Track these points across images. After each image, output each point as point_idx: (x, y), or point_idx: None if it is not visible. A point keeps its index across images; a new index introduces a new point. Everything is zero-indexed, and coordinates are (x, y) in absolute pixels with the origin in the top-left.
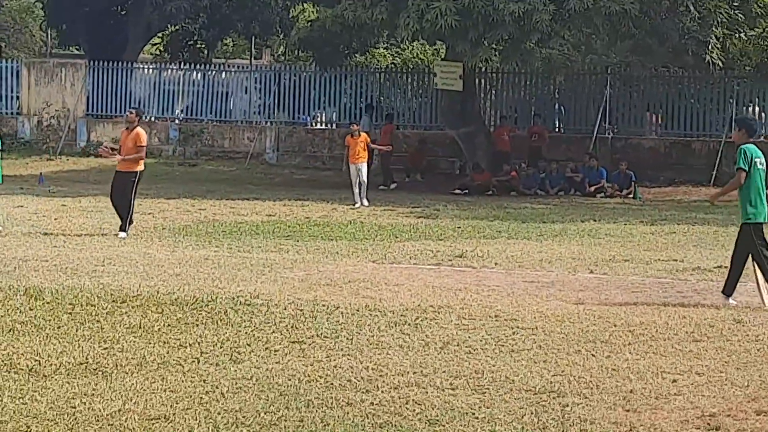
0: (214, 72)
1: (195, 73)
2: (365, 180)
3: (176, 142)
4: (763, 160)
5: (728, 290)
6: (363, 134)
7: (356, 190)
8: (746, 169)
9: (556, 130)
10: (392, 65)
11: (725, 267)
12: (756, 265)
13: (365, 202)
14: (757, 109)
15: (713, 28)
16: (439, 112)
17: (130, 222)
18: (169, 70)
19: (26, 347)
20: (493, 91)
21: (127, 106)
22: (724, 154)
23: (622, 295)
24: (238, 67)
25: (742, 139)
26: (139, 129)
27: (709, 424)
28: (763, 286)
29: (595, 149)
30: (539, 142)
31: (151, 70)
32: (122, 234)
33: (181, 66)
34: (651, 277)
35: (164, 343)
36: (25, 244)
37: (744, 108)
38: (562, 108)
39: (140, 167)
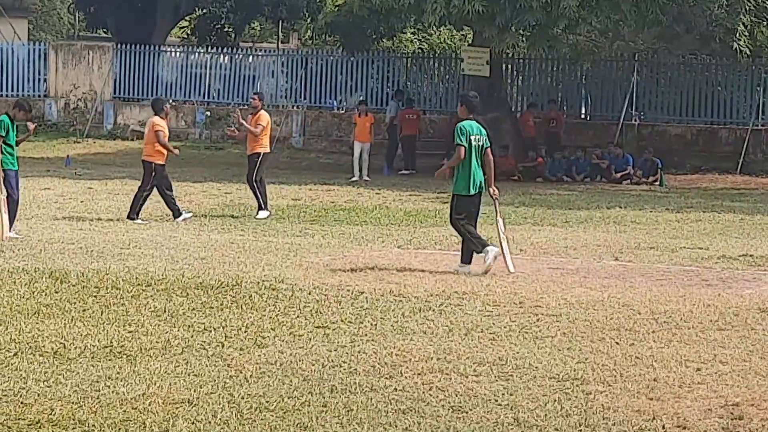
0: (241, 56)
1: (222, 56)
2: (367, 158)
3: (203, 125)
4: (479, 137)
5: (465, 258)
6: (370, 115)
7: (356, 165)
8: (465, 145)
9: (582, 116)
10: (419, 50)
11: (750, 255)
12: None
13: (367, 179)
14: None
15: (741, 16)
16: None
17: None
18: (197, 54)
19: (51, 330)
20: (520, 77)
21: (154, 90)
22: (751, 141)
23: (647, 282)
24: (265, 51)
25: (464, 114)
26: (261, 112)
27: (732, 413)
28: (507, 252)
29: (622, 136)
30: (557, 128)
31: (178, 54)
32: (261, 213)
33: (209, 50)
34: (676, 265)
35: (189, 327)
36: (51, 226)
37: None
38: (588, 95)
39: (261, 149)
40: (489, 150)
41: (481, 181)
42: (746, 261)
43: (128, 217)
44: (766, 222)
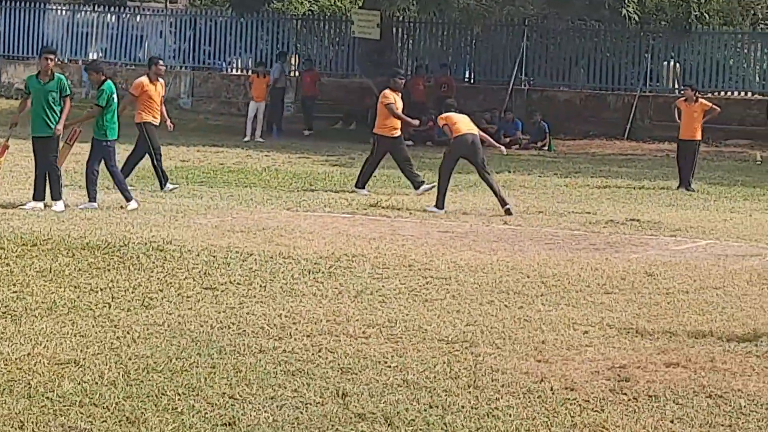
0: (128, 15)
1: (109, 15)
2: (261, 118)
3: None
4: (114, 95)
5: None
6: (267, 76)
7: (249, 126)
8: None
9: (469, 81)
10: (309, 12)
11: (637, 220)
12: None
13: (260, 139)
14: (672, 63)
15: None
16: (356, 61)
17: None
18: (83, 12)
19: None
20: (411, 41)
21: (39, 48)
22: (639, 108)
23: (536, 246)
24: (153, 10)
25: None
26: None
27: (619, 375)
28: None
29: (511, 101)
30: (448, 92)
31: (64, 12)
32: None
33: (95, 8)
34: (564, 229)
35: (75, 287)
36: None
37: (659, 62)
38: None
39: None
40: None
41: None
42: (633, 226)
43: (356, 186)
44: (653, 187)
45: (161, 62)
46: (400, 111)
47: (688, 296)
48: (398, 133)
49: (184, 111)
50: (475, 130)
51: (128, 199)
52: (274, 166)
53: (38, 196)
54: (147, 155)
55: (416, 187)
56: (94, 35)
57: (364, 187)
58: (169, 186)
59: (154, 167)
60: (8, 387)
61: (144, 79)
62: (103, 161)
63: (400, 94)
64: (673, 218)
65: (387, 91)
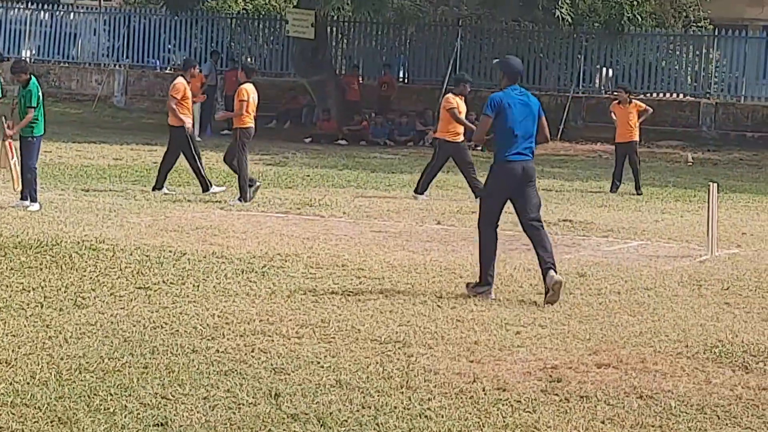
0: (62, 12)
1: (42, 12)
2: (197, 117)
3: None
4: (40, 92)
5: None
6: (200, 74)
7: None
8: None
9: (404, 80)
10: (244, 11)
11: (570, 221)
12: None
13: (198, 138)
14: (603, 69)
15: None
16: (290, 60)
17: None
18: (16, 9)
19: None
20: (345, 41)
21: None
22: (572, 109)
23: (469, 246)
24: (87, 8)
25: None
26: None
27: (551, 375)
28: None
29: None
30: (389, 92)
31: None
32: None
33: (28, 5)
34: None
35: (6, 286)
36: None
37: (593, 64)
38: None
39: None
40: None
41: None
42: (565, 226)
43: (415, 192)
44: (585, 188)
45: (197, 66)
46: (463, 116)
47: (620, 297)
48: (461, 138)
49: (117, 109)
50: None
51: (33, 199)
52: (208, 164)
53: None
54: (182, 155)
55: (475, 194)
56: (27, 33)
57: (423, 193)
58: (164, 190)
59: (160, 168)
60: None
61: (183, 81)
62: (21, 155)
63: (463, 99)
64: (605, 219)
65: (450, 96)
